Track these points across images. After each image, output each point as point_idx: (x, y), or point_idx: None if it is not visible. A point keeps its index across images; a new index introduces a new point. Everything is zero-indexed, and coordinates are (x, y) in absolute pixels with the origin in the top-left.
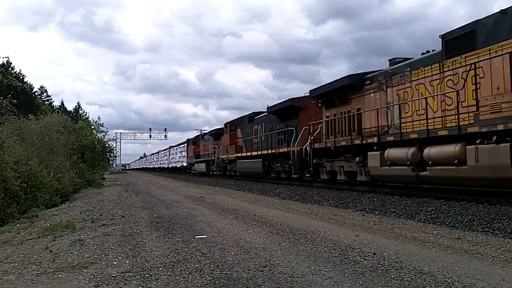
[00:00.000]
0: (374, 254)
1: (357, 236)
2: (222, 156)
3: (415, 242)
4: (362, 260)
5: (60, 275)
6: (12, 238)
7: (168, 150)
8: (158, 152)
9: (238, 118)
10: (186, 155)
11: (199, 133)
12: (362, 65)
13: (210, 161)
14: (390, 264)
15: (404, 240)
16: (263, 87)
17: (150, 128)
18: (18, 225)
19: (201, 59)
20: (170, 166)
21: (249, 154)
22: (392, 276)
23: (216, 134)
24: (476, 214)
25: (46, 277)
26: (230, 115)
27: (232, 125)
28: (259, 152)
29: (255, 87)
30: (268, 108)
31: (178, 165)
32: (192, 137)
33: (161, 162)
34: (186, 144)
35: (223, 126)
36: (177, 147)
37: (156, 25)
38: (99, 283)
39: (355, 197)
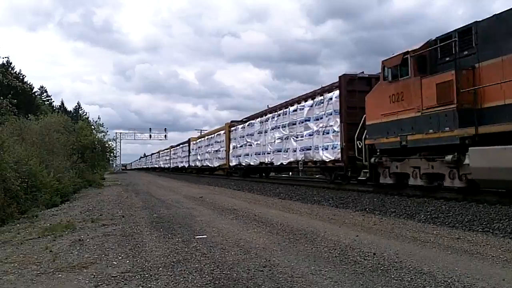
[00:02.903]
0: (374, 254)
1: (357, 236)
2: None
3: (415, 242)
4: (362, 260)
5: (60, 275)
6: (12, 238)
7: (208, 138)
8: (180, 145)
9: None
10: (313, 135)
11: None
12: (362, 65)
13: None
14: (390, 264)
15: (404, 240)
16: (262, 87)
17: (150, 128)
18: (18, 225)
19: (200, 59)
20: (214, 165)
21: None
22: (392, 276)
23: None
24: (476, 214)
25: (46, 277)
26: (230, 115)
27: None
28: None
29: (254, 87)
30: None
31: (253, 161)
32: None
33: (192, 158)
34: (312, 102)
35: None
36: (243, 126)
37: (155, 25)
38: (99, 283)
39: (355, 197)
